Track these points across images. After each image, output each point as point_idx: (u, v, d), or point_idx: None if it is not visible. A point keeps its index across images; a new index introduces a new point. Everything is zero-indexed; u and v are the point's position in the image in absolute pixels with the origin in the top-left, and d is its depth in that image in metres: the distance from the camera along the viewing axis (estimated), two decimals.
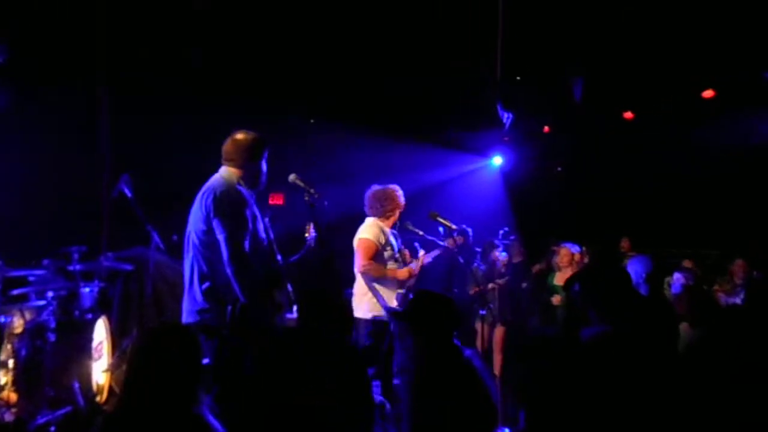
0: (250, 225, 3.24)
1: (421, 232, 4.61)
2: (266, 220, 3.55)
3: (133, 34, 5.67)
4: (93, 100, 5.72)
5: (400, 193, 4.46)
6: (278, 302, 3.29)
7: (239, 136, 3.40)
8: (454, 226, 4.21)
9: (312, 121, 7.53)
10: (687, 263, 6.68)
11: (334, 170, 6.66)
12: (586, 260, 6.40)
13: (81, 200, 5.37)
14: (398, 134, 7.67)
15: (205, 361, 2.95)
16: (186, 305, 3.30)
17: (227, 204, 3.18)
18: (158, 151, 5.82)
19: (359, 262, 4.26)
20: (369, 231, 4.34)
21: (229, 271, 3.13)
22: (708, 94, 8.11)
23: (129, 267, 5.11)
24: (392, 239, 4.43)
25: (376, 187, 4.48)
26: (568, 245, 6.01)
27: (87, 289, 4.79)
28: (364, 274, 4.27)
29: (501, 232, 7.59)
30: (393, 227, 4.46)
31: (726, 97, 7.98)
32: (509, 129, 8.89)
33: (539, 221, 8.64)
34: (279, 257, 3.49)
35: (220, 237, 3.14)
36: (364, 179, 7.04)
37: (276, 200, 7.01)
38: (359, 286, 4.36)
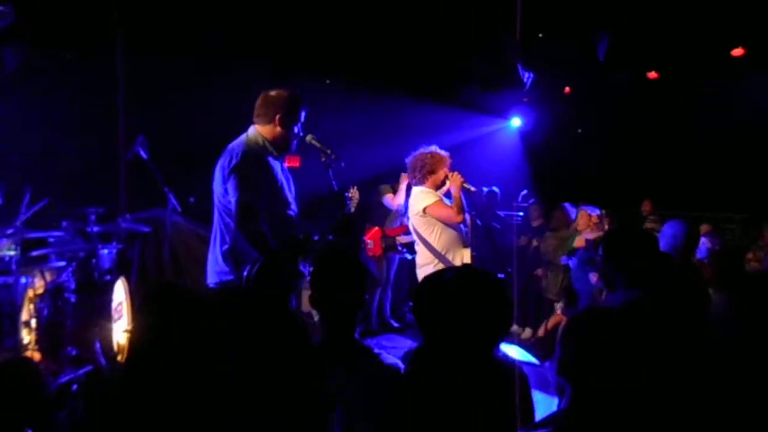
0: (268, 191, 3.18)
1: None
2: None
3: None
4: (110, 62, 5.66)
5: (434, 153, 4.37)
6: (300, 271, 3.24)
7: (272, 92, 3.30)
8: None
9: (328, 81, 7.41)
10: (705, 228, 6.55)
11: (350, 131, 6.57)
12: (606, 224, 6.30)
13: (98, 162, 5.37)
14: (416, 94, 7.56)
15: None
16: (209, 266, 3.30)
17: (244, 165, 3.11)
18: (175, 112, 5.76)
19: (454, 219, 4.20)
20: (426, 197, 4.31)
21: (241, 234, 3.10)
22: (737, 52, 7.81)
23: (147, 229, 5.12)
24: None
25: (415, 153, 4.43)
26: (587, 208, 5.92)
27: (106, 251, 4.83)
28: (460, 223, 4.26)
29: (521, 195, 7.54)
30: (439, 188, 4.40)
31: (757, 55, 7.68)
32: (529, 89, 8.75)
33: (559, 184, 8.53)
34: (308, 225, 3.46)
35: (232, 199, 3.10)
36: (381, 140, 7.05)
37: (292, 162, 6.94)
38: (425, 257, 4.33)
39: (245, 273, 3.06)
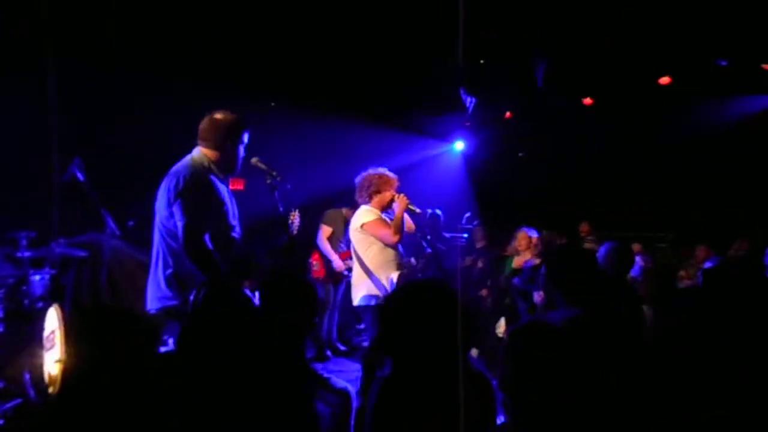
0: (215, 212, 3.15)
1: None
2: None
3: (83, 9, 5.44)
4: (42, 79, 5.46)
5: (382, 174, 4.46)
6: (246, 293, 3.21)
7: (218, 115, 3.28)
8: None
9: (273, 104, 7.38)
10: (636, 247, 6.83)
11: (296, 154, 6.57)
12: (541, 245, 6.49)
13: (29, 184, 5.14)
14: (361, 118, 7.62)
15: (168, 347, 2.88)
16: (150, 291, 3.22)
17: (190, 188, 3.07)
18: (112, 133, 5.61)
19: (390, 238, 4.26)
20: (366, 215, 4.38)
21: (187, 259, 3.05)
22: (664, 80, 8.27)
23: (82, 253, 4.93)
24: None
25: (364, 173, 4.51)
26: (526, 229, 6.09)
27: (38, 277, 4.60)
28: (396, 243, 4.33)
29: (464, 216, 7.66)
30: (386, 210, 4.48)
31: (682, 83, 8.15)
32: (472, 114, 8.96)
33: (501, 206, 8.73)
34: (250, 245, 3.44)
35: (179, 223, 3.05)
36: (327, 163, 7.05)
37: (236, 185, 6.85)
38: (358, 275, 4.39)
39: (191, 297, 3.00)
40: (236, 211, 3.39)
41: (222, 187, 3.27)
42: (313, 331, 5.72)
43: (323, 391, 2.11)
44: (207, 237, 3.08)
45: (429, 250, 5.02)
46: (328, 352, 6.17)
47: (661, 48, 7.45)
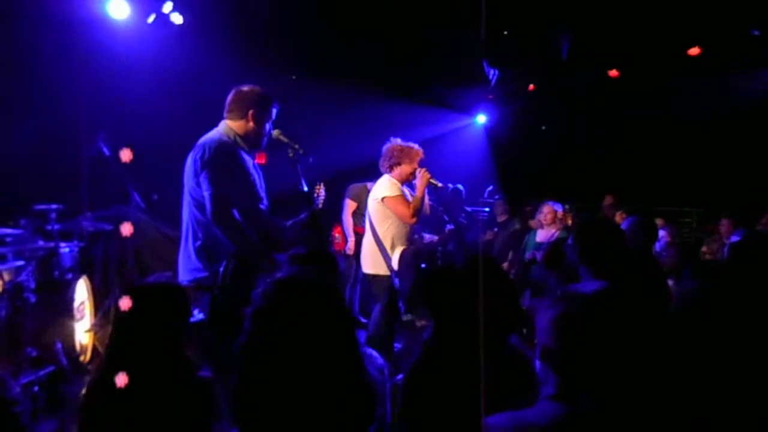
0: (242, 184, 3.17)
1: None
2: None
3: None
4: (63, 51, 5.49)
5: (405, 146, 4.44)
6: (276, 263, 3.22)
7: (246, 88, 3.31)
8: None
9: (294, 77, 7.36)
10: (659, 221, 6.77)
11: (318, 128, 6.55)
12: (569, 219, 6.44)
13: (57, 158, 5.22)
14: (382, 92, 7.57)
15: (201, 316, 2.93)
16: (181, 264, 3.26)
17: (217, 159, 3.09)
18: (138, 107, 5.65)
19: (407, 218, 4.29)
20: (389, 188, 4.39)
21: (216, 229, 3.08)
22: (694, 51, 8.06)
23: (109, 227, 5.02)
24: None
25: (390, 142, 4.52)
26: (552, 203, 6.03)
27: (66, 249, 4.71)
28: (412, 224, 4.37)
29: (487, 190, 7.63)
30: (407, 182, 4.48)
31: (712, 54, 7.94)
32: (494, 87, 8.85)
33: (523, 180, 8.66)
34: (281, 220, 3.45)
35: (206, 193, 3.07)
36: (349, 137, 7.03)
37: (258, 159, 6.90)
38: (369, 245, 4.44)
39: (221, 269, 3.02)
40: (263, 184, 3.41)
41: (249, 160, 3.30)
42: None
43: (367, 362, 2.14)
44: (234, 209, 3.10)
45: (450, 226, 5.00)
46: None
47: (691, 17, 7.25)
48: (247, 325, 1.42)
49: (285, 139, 3.50)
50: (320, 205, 3.65)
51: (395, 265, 4.32)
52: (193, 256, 3.18)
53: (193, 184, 3.15)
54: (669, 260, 5.65)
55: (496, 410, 1.49)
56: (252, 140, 3.31)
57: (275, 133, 3.49)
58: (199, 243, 3.16)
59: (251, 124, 3.28)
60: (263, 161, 6.68)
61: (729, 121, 8.56)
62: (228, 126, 3.28)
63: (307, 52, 7.01)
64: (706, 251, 6.65)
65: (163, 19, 5.67)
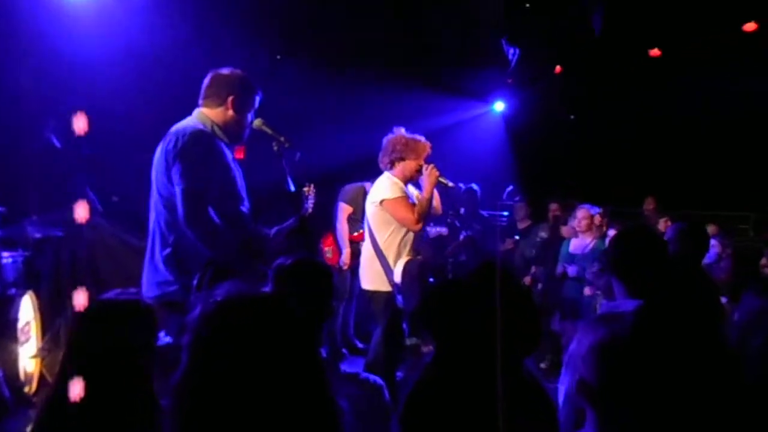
0: (221, 181, 3.16)
1: None
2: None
3: None
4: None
5: (410, 138, 4.44)
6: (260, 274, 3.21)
7: (226, 71, 3.32)
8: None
9: (278, 57, 7.36)
10: (711, 228, 6.77)
11: (307, 118, 6.54)
12: (604, 225, 6.43)
13: None
14: (383, 74, 7.54)
15: (167, 340, 2.92)
16: (147, 276, 3.24)
17: (192, 149, 3.08)
18: (96, 94, 5.63)
19: (411, 225, 4.30)
20: (389, 189, 4.38)
21: (188, 233, 3.06)
22: (750, 27, 8.08)
23: (59, 232, 5.01)
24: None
25: (391, 134, 4.51)
26: (587, 207, 5.99)
27: (9, 260, 4.70)
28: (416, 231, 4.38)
29: (506, 191, 7.62)
30: (411, 181, 4.50)
31: None
32: (514, 68, 8.86)
33: (549, 179, 8.68)
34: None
35: (178, 189, 3.06)
36: (344, 128, 7.02)
37: (236, 154, 6.89)
38: (368, 255, 4.45)
39: (194, 282, 3.02)
40: (244, 183, 3.41)
41: (228, 154, 3.30)
42: (329, 322, 5.77)
43: (347, 383, 2.17)
44: (211, 209, 3.10)
45: (464, 233, 5.00)
46: (344, 350, 6.22)
47: None
48: (184, 358, 1.38)
49: (268, 131, 3.50)
50: (309, 210, 3.63)
51: (398, 279, 4.32)
52: (161, 267, 3.16)
53: (164, 179, 3.13)
54: (722, 275, 5.65)
55: None
56: (232, 131, 3.32)
57: (257, 122, 3.49)
58: (168, 251, 3.15)
59: (231, 112, 3.28)
60: (242, 156, 6.68)
61: None
62: (204, 114, 3.29)
63: (294, 27, 6.99)
64: (765, 264, 6.65)
65: None
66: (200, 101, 3.32)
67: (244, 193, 3.35)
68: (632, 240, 2.61)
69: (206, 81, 3.32)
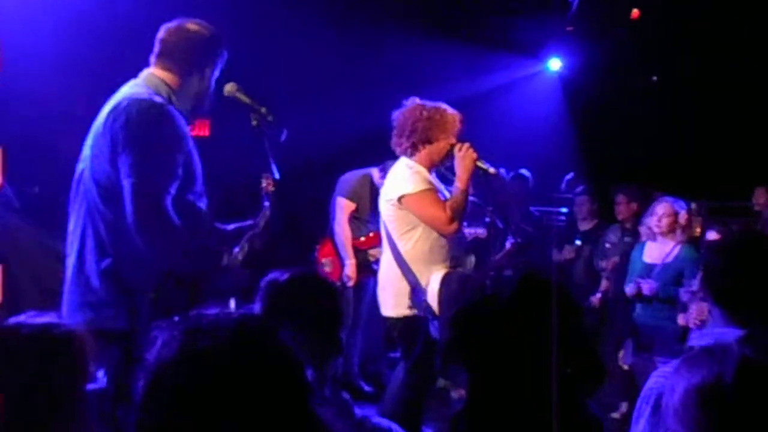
0: (180, 168, 3.18)
1: None
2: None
3: None
4: None
5: (435, 110, 4.42)
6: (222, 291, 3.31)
7: (192, 25, 3.35)
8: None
9: None
10: None
11: (296, 85, 6.48)
12: (698, 227, 6.37)
13: None
14: (403, 24, 7.54)
15: (102, 382, 2.94)
16: (70, 294, 3.24)
17: (148, 130, 3.10)
18: (10, 58, 5.69)
19: (442, 226, 4.29)
20: (409, 181, 4.36)
21: (139, 239, 3.06)
22: None
23: None
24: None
25: (405, 107, 4.50)
26: (670, 200, 5.95)
27: None
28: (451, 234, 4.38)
29: (565, 180, 7.59)
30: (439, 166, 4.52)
31: None
32: (576, 14, 8.81)
33: (622, 163, 8.67)
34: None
35: (127, 182, 3.05)
36: (346, 98, 6.97)
37: (198, 130, 6.87)
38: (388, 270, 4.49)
39: (143, 306, 3.06)
40: (201, 170, 3.42)
41: (188, 131, 3.31)
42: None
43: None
44: (171, 208, 3.11)
45: (512, 239, 4.96)
46: (344, 395, 6.16)
47: None
48: (139, 401, 1.37)
49: (245, 99, 3.49)
50: (268, 213, 3.54)
51: (432, 301, 4.27)
52: (96, 282, 3.15)
53: (105, 166, 3.12)
54: None
55: None
56: (192, 100, 3.37)
57: (229, 88, 3.49)
58: (108, 261, 3.14)
59: (193, 77, 3.33)
60: (206, 132, 6.64)
61: None
62: (157, 77, 3.30)
63: None
64: None
65: None
66: (153, 59, 3.33)
67: (202, 187, 3.37)
68: (741, 250, 2.59)
69: (162, 34, 3.33)
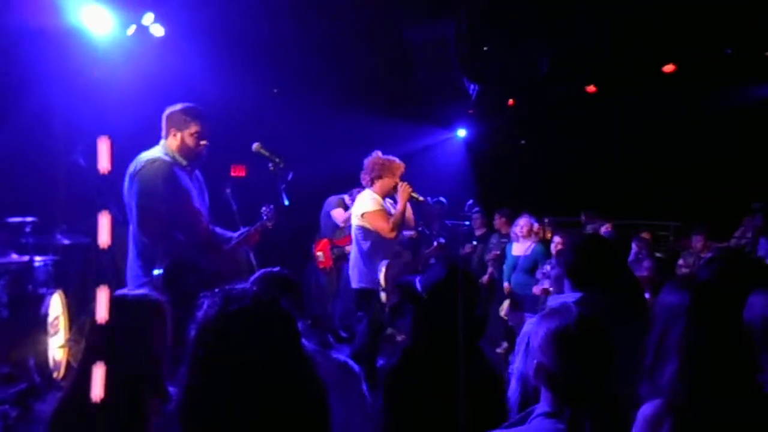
0: (177, 198, 3.17)
1: None
2: (227, 192, 3.50)
3: None
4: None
5: (386, 160, 4.42)
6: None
7: (170, 108, 3.34)
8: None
9: (275, 90, 7.33)
10: (645, 234, 6.88)
11: (295, 143, 6.52)
12: (548, 233, 6.47)
13: (32, 170, 5.11)
14: (363, 107, 7.58)
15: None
16: (128, 272, 3.26)
17: (145, 171, 3.14)
18: (117, 120, 5.55)
19: (386, 233, 4.28)
20: (369, 203, 4.36)
21: (144, 240, 3.11)
22: (669, 68, 8.21)
23: (86, 239, 4.92)
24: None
25: (372, 155, 4.49)
26: (528, 217, 6.05)
27: (41, 263, 4.60)
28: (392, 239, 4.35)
29: (467, 204, 7.64)
30: (389, 196, 4.47)
31: (686, 71, 8.09)
32: (475, 101, 8.93)
33: (502, 194, 8.68)
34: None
35: (133, 203, 3.13)
36: (329, 152, 7.00)
37: (238, 172, 6.84)
38: (354, 263, 4.46)
39: (156, 273, 3.05)
40: (206, 199, 3.43)
41: (183, 174, 3.28)
42: (316, 318, 5.73)
43: (336, 370, 2.15)
44: (164, 219, 3.11)
45: (440, 240, 4.98)
46: (330, 338, 6.17)
47: (667, 36, 7.39)
48: (191, 344, 1.35)
49: (265, 153, 3.49)
50: (269, 225, 3.45)
51: (381, 279, 4.30)
52: (135, 264, 3.21)
53: (127, 195, 3.20)
54: (645, 272, 5.71)
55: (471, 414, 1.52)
56: (187, 156, 3.31)
57: (255, 146, 3.48)
58: (136, 251, 3.21)
59: (177, 141, 3.30)
60: (242, 174, 6.61)
61: (703, 136, 8.71)
62: (166, 144, 3.32)
63: (290, 66, 6.98)
64: (682, 265, 6.75)
65: (144, 30, 5.60)
66: (162, 134, 3.35)
67: (201, 207, 3.34)
68: (580, 246, 2.59)
69: (163, 117, 3.35)
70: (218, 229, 3.47)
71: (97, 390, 1.78)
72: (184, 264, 3.08)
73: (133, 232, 3.22)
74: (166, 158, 3.22)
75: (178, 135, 3.28)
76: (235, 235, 3.43)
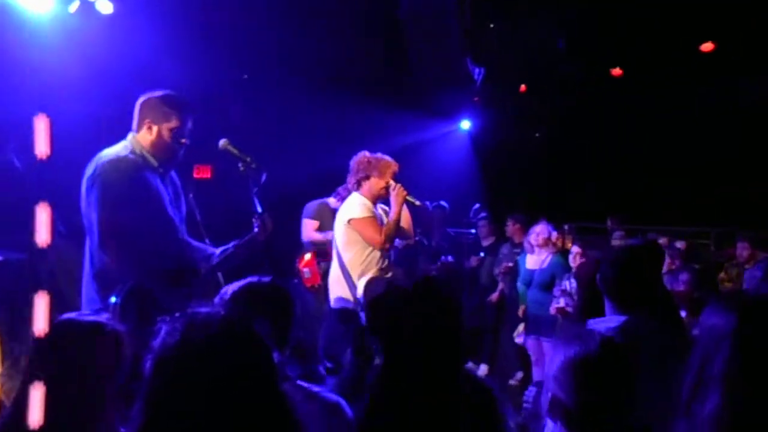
0: (144, 207, 3.10)
1: None
2: (189, 197, 3.44)
3: None
4: None
5: (375, 158, 4.40)
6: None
7: (147, 95, 3.23)
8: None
9: (246, 76, 7.32)
10: (679, 244, 6.87)
11: (271, 137, 6.50)
12: (569, 243, 6.48)
13: None
14: (350, 94, 7.53)
15: None
16: (83, 292, 3.23)
17: (108, 176, 3.05)
18: (58, 111, 5.52)
19: (377, 244, 4.27)
20: (356, 208, 4.34)
21: (105, 258, 3.07)
22: (707, 47, 8.24)
23: (19, 255, 4.88)
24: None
25: (358, 155, 4.47)
26: (544, 223, 6.05)
27: None
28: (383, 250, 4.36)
29: (472, 209, 7.65)
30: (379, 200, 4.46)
31: (728, 51, 8.11)
32: (480, 87, 8.93)
33: (514, 196, 8.78)
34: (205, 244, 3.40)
35: (93, 215, 3.05)
36: (311, 147, 6.98)
37: (202, 173, 6.80)
38: (335, 275, 4.43)
39: (112, 300, 2.98)
40: (182, 208, 3.37)
41: (155, 178, 3.22)
42: (300, 346, 5.68)
43: (310, 403, 2.11)
44: (131, 234, 3.04)
45: (447, 258, 4.97)
46: (321, 370, 6.11)
47: (704, 9, 7.42)
48: (147, 377, 1.37)
49: (234, 151, 3.43)
50: (259, 236, 3.41)
51: (360, 295, 4.27)
52: (91, 284, 3.17)
53: (85, 204, 3.12)
54: (681, 286, 5.70)
55: None
56: (160, 155, 3.22)
57: (222, 143, 3.43)
58: (94, 269, 3.15)
59: (152, 136, 3.19)
60: (208, 175, 6.57)
61: (747, 126, 8.74)
62: (135, 139, 3.22)
63: (262, 47, 6.96)
64: (724, 278, 6.77)
65: (89, 7, 5.58)
66: (132, 126, 3.25)
67: (175, 217, 3.28)
68: (621, 262, 2.58)
69: (137, 103, 3.25)
70: (196, 243, 3.40)
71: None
72: (147, 293, 3.02)
73: (90, 248, 3.16)
74: (133, 157, 3.14)
75: (154, 129, 3.17)
76: (217, 251, 3.36)
